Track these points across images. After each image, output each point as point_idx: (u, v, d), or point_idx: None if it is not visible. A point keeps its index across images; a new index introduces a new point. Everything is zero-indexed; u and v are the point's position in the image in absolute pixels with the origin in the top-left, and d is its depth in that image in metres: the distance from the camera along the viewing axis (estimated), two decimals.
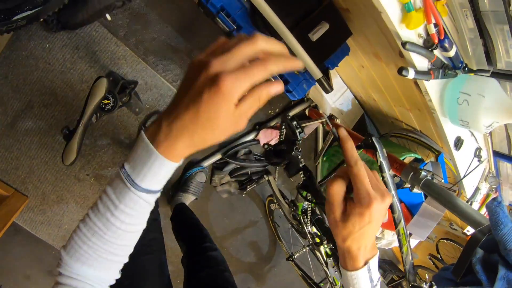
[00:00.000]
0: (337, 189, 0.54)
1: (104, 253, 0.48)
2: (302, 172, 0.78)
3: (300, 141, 0.67)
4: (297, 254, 1.86)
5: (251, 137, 1.80)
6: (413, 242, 1.95)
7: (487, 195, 1.49)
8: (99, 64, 1.51)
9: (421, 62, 0.98)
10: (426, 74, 0.97)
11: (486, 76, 1.05)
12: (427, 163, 1.70)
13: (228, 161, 1.67)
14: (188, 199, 1.69)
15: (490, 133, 1.34)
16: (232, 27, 1.37)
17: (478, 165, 1.33)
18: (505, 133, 1.30)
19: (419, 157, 1.69)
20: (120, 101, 1.47)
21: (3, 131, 1.50)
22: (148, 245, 1.00)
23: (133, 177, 0.44)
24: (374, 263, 0.55)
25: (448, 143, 1.20)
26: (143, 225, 0.51)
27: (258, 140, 1.79)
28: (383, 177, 0.91)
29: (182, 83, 0.43)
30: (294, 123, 0.65)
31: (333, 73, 1.80)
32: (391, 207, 0.94)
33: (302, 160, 0.71)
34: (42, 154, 1.55)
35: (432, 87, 1.06)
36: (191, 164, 1.76)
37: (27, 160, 1.55)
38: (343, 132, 0.60)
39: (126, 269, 0.56)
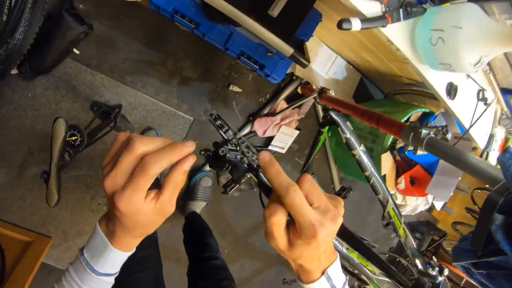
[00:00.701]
0: (276, 220, 0.44)
1: None
2: (250, 174, 0.70)
3: (232, 140, 0.61)
4: None
5: (247, 130, 1.75)
6: (439, 203, 1.80)
7: (506, 140, 1.32)
8: (81, 97, 1.54)
9: (372, 7, 0.84)
10: (380, 19, 0.83)
11: (462, 2, 0.91)
12: (437, 115, 1.56)
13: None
14: (199, 206, 1.69)
15: (491, 69, 1.18)
16: (191, 26, 1.33)
17: (485, 109, 1.18)
18: (509, 66, 1.13)
19: (427, 110, 1.55)
20: (109, 127, 1.49)
21: (14, 183, 1.57)
22: (140, 263, 0.99)
23: (92, 264, 0.49)
24: (334, 269, 0.49)
25: (438, 93, 1.06)
26: None
27: (255, 132, 1.73)
28: (354, 155, 0.82)
29: None
30: (218, 122, 0.59)
31: (316, 43, 1.70)
32: (372, 188, 0.85)
33: (245, 160, 0.65)
34: None
35: (398, 32, 0.92)
36: (194, 171, 1.76)
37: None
38: (263, 157, 0.47)
39: None
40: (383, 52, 1.55)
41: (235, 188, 1.61)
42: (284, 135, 1.78)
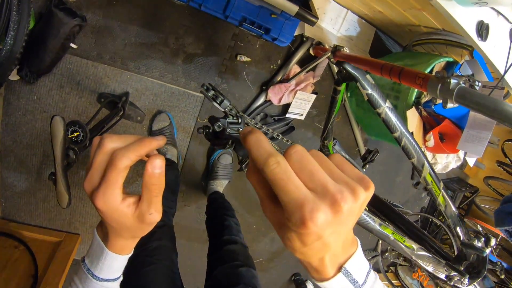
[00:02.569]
0: (253, 181, 0.36)
1: None
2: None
3: (231, 112, 0.52)
4: None
5: (261, 100, 1.67)
6: (472, 159, 1.67)
7: None
8: (87, 91, 1.49)
9: None
10: None
11: None
12: (462, 64, 1.43)
13: None
14: (221, 185, 1.65)
15: None
16: None
17: None
18: None
19: (451, 59, 1.42)
20: (118, 116, 1.45)
21: (35, 186, 1.57)
22: (151, 255, 0.95)
23: (92, 270, 0.50)
24: (354, 261, 0.39)
25: (468, 34, 0.94)
26: None
27: (270, 101, 1.65)
28: (379, 114, 0.72)
29: None
30: (211, 93, 0.51)
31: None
32: (404, 151, 0.75)
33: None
34: (74, 193, 1.61)
35: None
36: (211, 149, 1.70)
37: None
38: (243, 130, 0.37)
39: (127, 284, 0.58)
40: (395, 0, 1.41)
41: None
42: (300, 101, 1.70)
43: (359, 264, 0.39)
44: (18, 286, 1.38)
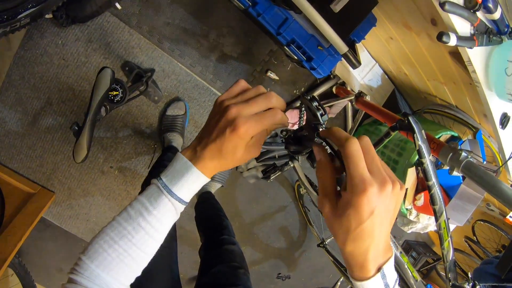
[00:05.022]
0: (326, 174, 0.45)
1: (126, 257, 0.51)
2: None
3: (323, 125, 0.56)
4: (329, 240, 1.79)
5: None
6: (452, 226, 1.83)
7: None
8: (114, 55, 1.47)
9: (462, 26, 0.85)
10: (469, 40, 0.84)
11: None
12: (464, 141, 1.57)
13: None
14: (214, 187, 1.65)
15: None
16: (248, 3, 1.28)
17: None
18: None
19: (456, 134, 1.56)
20: (138, 90, 1.43)
21: (26, 130, 1.50)
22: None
23: (170, 186, 0.51)
24: (389, 266, 0.44)
25: (494, 121, 1.07)
26: (164, 237, 0.55)
27: None
28: (422, 163, 0.80)
29: (209, 117, 0.53)
30: (315, 104, 0.55)
31: (359, 46, 1.68)
32: (431, 198, 0.84)
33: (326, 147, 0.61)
34: (64, 149, 1.55)
35: (476, 56, 0.93)
36: None
37: (50, 157, 1.55)
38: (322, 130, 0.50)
39: None
40: (424, 69, 1.54)
41: (276, 174, 1.57)
42: None
43: (392, 270, 0.45)
44: None
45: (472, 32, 0.86)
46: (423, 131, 0.81)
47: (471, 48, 0.87)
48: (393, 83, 1.83)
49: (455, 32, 0.84)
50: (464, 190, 1.53)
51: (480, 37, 0.86)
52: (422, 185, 1.58)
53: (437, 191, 0.82)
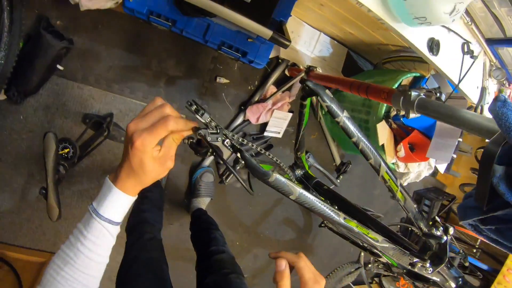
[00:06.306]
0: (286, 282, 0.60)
1: (74, 282, 0.55)
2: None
3: (211, 123, 0.60)
4: None
5: (240, 119, 1.74)
6: (442, 166, 1.78)
7: (500, 91, 1.30)
8: (72, 112, 1.54)
9: None
10: None
11: None
12: (428, 78, 1.54)
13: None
14: (203, 202, 1.69)
15: (473, 20, 1.15)
16: (168, 25, 1.33)
17: (473, 62, 1.16)
18: (490, 15, 1.11)
19: (418, 74, 1.53)
20: (102, 137, 1.50)
21: (19, 206, 1.59)
22: (144, 266, 1.00)
23: (98, 209, 0.55)
24: None
25: (420, 50, 1.05)
26: (107, 259, 0.60)
27: (249, 120, 1.73)
28: (338, 123, 0.81)
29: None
30: (194, 107, 0.59)
31: (297, 23, 1.68)
32: (363, 154, 0.84)
33: (228, 142, 0.65)
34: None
35: None
36: (193, 168, 1.76)
37: (49, 223, 1.63)
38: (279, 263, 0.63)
39: None
40: (364, 22, 1.53)
41: (230, 176, 1.61)
42: (277, 119, 1.78)
43: None
44: None
45: None
46: (327, 91, 0.81)
47: None
48: (344, 46, 1.82)
49: None
50: (441, 127, 1.50)
51: None
52: (400, 135, 1.56)
53: (364, 145, 0.82)
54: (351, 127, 0.82)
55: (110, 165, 1.64)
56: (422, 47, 1.05)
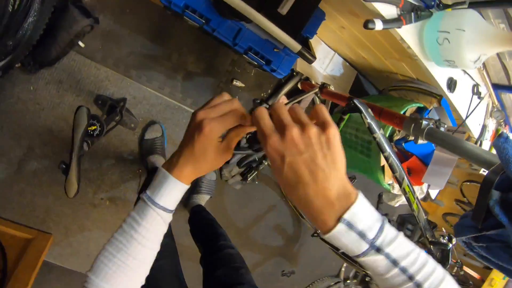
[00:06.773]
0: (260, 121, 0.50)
1: (125, 268, 0.56)
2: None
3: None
4: None
5: None
6: (434, 192, 1.91)
7: (497, 131, 1.43)
8: (85, 91, 1.53)
9: (389, 10, 0.94)
10: (396, 21, 0.93)
11: (463, 8, 1.00)
12: (431, 110, 1.65)
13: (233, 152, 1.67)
14: (203, 199, 1.71)
15: (484, 66, 1.28)
16: (201, 22, 1.36)
17: (479, 102, 1.28)
18: (500, 63, 1.24)
19: (422, 105, 1.64)
20: (114, 121, 1.49)
21: (13, 178, 1.54)
22: (160, 251, 1.01)
23: (153, 198, 0.57)
24: (355, 212, 0.42)
25: (441, 87, 1.16)
26: (158, 246, 0.61)
27: None
28: (374, 138, 0.88)
29: (186, 128, 0.57)
30: (265, 105, 0.63)
31: (316, 41, 1.76)
32: (391, 167, 0.91)
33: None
34: (53, 190, 1.59)
35: (408, 32, 1.02)
36: None
37: (41, 200, 1.59)
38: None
39: None
40: (379, 50, 1.62)
41: (253, 174, 1.64)
42: None
43: (365, 214, 0.42)
44: None
45: (399, 12, 0.95)
46: (369, 110, 0.89)
47: (399, 28, 0.95)
48: (355, 69, 1.92)
49: (381, 17, 0.92)
50: (438, 156, 1.61)
51: (407, 15, 0.95)
52: (399, 159, 1.66)
53: (394, 160, 0.89)
54: (385, 144, 0.89)
55: (115, 151, 1.63)
56: (443, 84, 1.16)
